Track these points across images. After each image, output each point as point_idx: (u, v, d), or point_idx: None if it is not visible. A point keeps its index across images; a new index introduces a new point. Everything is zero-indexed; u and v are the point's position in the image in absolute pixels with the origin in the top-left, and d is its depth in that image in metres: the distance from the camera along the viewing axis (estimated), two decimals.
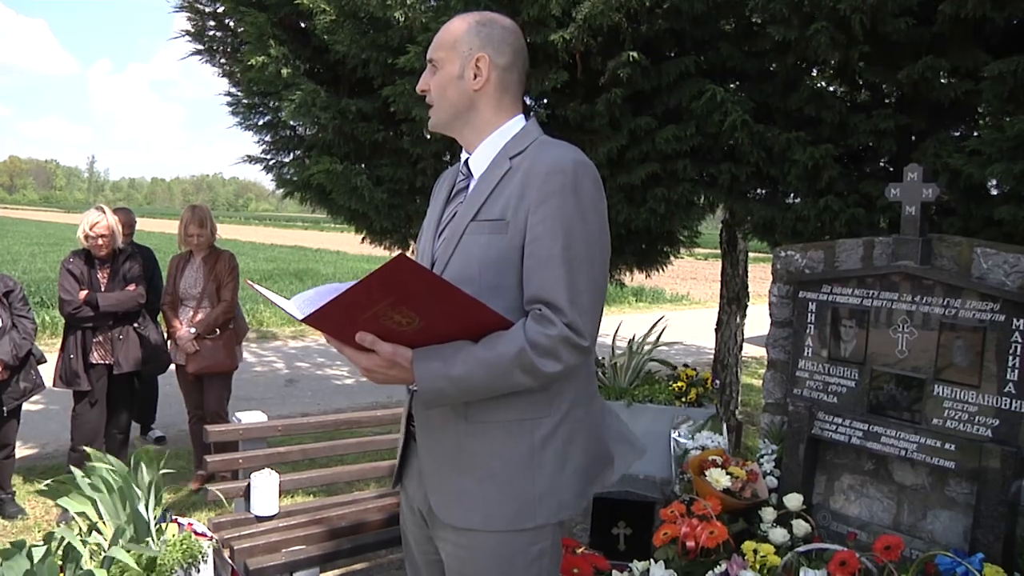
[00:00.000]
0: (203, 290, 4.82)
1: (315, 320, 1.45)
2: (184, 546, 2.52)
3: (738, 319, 6.13)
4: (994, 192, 3.37)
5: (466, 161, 1.74)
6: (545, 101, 4.23)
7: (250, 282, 1.89)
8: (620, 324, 6.32)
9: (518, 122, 1.72)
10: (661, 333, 4.09)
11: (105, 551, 2.36)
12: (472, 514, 1.63)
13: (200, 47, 5.30)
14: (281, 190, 5.41)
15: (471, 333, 1.52)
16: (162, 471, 2.67)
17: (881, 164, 3.80)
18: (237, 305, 5.01)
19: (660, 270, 5.37)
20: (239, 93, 5.22)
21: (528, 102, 4.18)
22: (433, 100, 1.71)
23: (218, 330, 4.80)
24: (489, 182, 1.65)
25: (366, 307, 1.42)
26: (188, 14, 5.24)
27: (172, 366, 4.98)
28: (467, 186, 1.72)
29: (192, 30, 5.28)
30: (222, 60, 5.31)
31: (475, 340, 1.53)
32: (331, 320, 1.47)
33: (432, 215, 1.80)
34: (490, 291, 1.56)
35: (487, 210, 1.62)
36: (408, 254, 1.36)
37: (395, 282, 1.36)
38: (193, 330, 4.73)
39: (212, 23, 5.25)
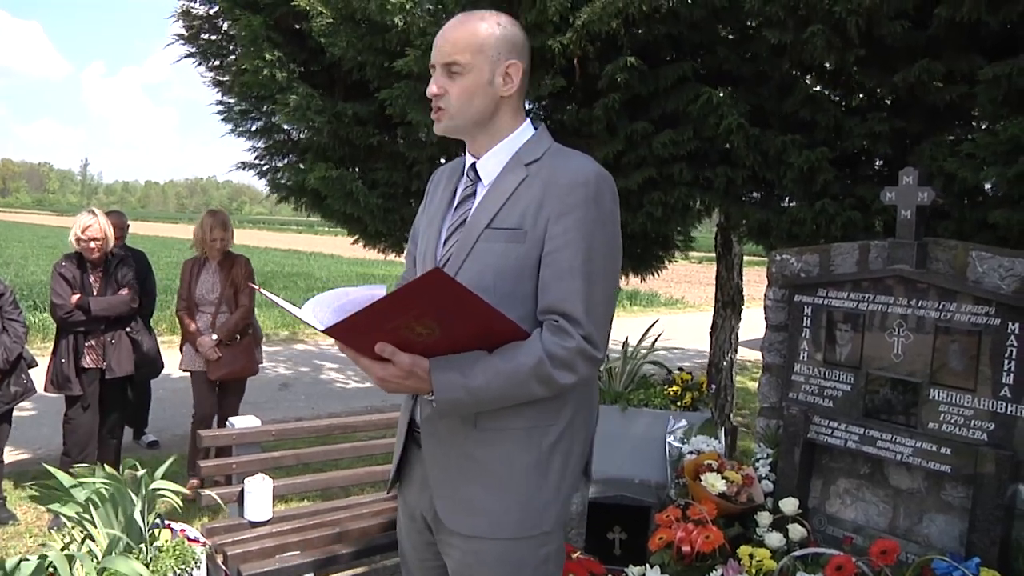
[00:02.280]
0: (221, 295, 4.78)
1: (339, 331, 1.43)
2: (177, 552, 2.50)
3: (733, 322, 6.13)
4: (989, 195, 3.37)
5: (472, 165, 1.70)
6: (543, 105, 4.22)
7: (255, 286, 1.88)
8: (615, 328, 6.32)
9: (528, 128, 1.70)
10: (657, 337, 4.08)
11: (99, 559, 2.34)
12: (480, 521, 1.62)
13: (193, 50, 5.29)
14: (276, 195, 5.39)
15: (485, 343, 1.52)
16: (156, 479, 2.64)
17: (876, 168, 3.80)
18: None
19: (655, 274, 5.36)
20: (231, 101, 5.21)
21: (525, 106, 4.18)
22: (451, 105, 1.62)
23: (238, 336, 4.77)
24: (504, 189, 1.62)
25: (393, 319, 1.41)
26: (183, 21, 5.22)
27: (185, 371, 4.91)
28: (475, 192, 1.69)
29: (186, 34, 5.26)
30: (215, 64, 5.30)
31: (488, 350, 1.52)
32: (354, 331, 1.45)
33: (431, 218, 1.76)
34: (505, 300, 1.55)
35: (503, 218, 1.59)
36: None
37: (428, 295, 1.36)
38: (215, 336, 4.69)
39: (206, 26, 5.23)
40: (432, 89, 1.64)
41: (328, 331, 1.44)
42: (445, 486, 1.66)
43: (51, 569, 2.21)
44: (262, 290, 1.75)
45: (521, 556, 1.63)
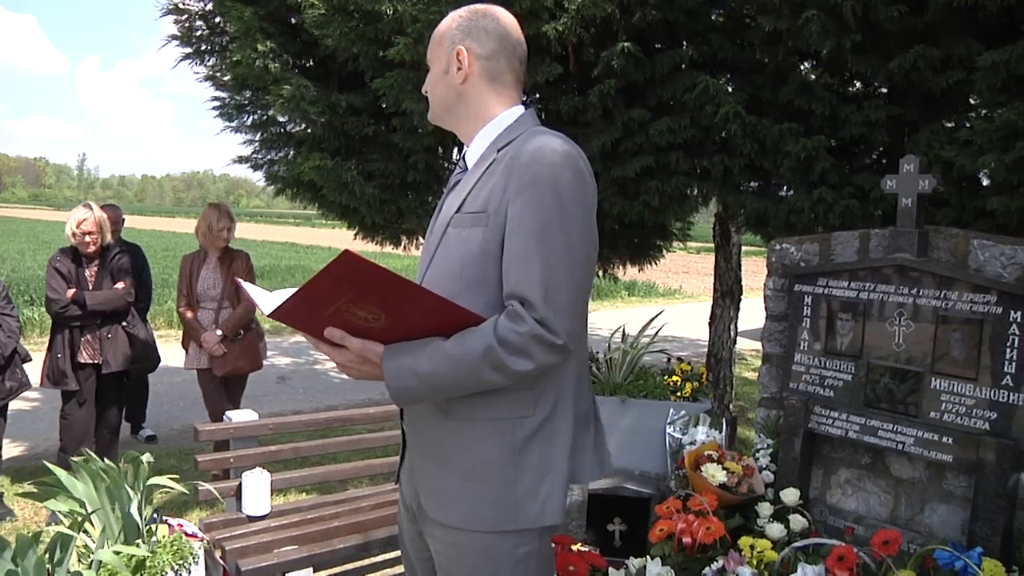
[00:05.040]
0: (223, 291, 4.73)
1: (281, 315, 1.46)
2: (175, 547, 2.49)
3: (732, 313, 6.12)
4: (986, 183, 3.35)
5: (464, 155, 1.72)
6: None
7: (238, 279, 1.88)
8: (613, 318, 6.31)
9: (513, 112, 1.68)
10: (660, 329, 4.06)
11: (93, 553, 2.32)
12: (454, 511, 1.61)
13: (189, 50, 5.23)
14: (272, 186, 5.37)
15: (445, 330, 1.49)
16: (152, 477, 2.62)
17: (874, 156, 3.78)
18: None
19: (653, 264, 5.35)
20: (225, 96, 5.16)
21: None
22: (429, 97, 1.74)
23: (242, 332, 4.75)
24: (475, 174, 1.62)
25: (326, 303, 1.41)
26: (175, 17, 5.16)
27: (189, 370, 4.87)
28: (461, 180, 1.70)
29: (179, 34, 5.20)
30: (211, 61, 5.25)
31: (446, 337, 1.50)
32: (297, 316, 1.47)
33: (436, 212, 1.80)
34: (473, 286, 1.53)
35: (470, 202, 1.59)
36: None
37: (345, 277, 1.35)
38: (220, 332, 4.65)
39: (200, 23, 5.18)
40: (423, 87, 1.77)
41: (272, 315, 1.47)
42: (425, 474, 1.66)
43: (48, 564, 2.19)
44: (242, 282, 1.77)
45: (499, 551, 1.59)
